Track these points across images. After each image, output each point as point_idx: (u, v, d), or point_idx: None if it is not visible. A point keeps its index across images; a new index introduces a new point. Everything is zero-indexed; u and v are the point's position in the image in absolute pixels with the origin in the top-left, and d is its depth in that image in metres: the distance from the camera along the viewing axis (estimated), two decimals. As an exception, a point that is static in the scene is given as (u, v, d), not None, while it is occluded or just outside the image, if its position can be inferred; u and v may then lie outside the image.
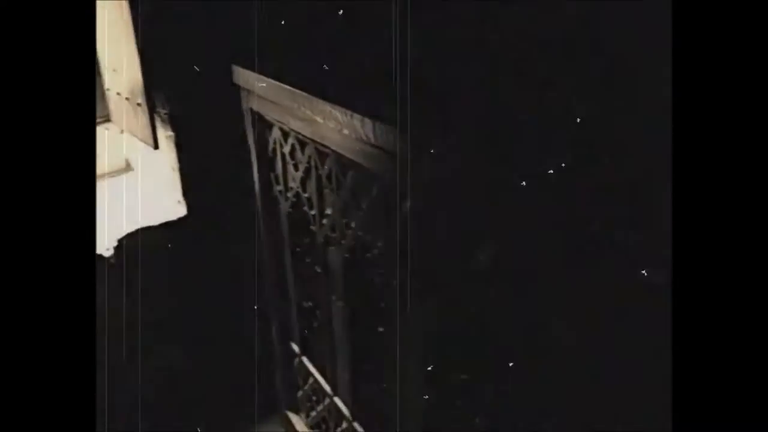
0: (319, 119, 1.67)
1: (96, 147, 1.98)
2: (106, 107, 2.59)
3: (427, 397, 1.53)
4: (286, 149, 1.97)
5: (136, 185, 2.64)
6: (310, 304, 2.24)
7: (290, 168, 1.98)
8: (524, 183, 1.38)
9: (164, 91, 2.23)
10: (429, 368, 1.48)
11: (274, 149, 2.06)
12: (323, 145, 1.73)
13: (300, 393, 2.44)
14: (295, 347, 2.39)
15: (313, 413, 2.37)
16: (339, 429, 2.17)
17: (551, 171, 1.39)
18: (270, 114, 2.00)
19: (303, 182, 1.92)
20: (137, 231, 2.31)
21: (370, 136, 1.47)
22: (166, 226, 2.35)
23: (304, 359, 2.35)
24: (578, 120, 1.45)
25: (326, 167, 1.75)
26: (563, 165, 1.41)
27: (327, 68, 1.90)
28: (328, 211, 1.82)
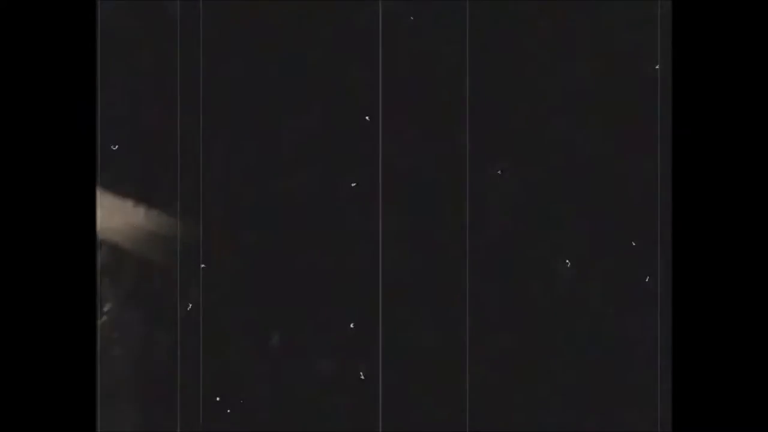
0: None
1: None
2: None
3: None
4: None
5: None
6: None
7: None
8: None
9: None
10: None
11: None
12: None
13: None
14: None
15: None
16: None
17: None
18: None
19: (76, 277, 1.68)
20: None
21: (143, 222, 1.32)
22: None
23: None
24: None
25: (100, 258, 1.54)
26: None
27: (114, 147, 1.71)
28: (106, 308, 1.60)
